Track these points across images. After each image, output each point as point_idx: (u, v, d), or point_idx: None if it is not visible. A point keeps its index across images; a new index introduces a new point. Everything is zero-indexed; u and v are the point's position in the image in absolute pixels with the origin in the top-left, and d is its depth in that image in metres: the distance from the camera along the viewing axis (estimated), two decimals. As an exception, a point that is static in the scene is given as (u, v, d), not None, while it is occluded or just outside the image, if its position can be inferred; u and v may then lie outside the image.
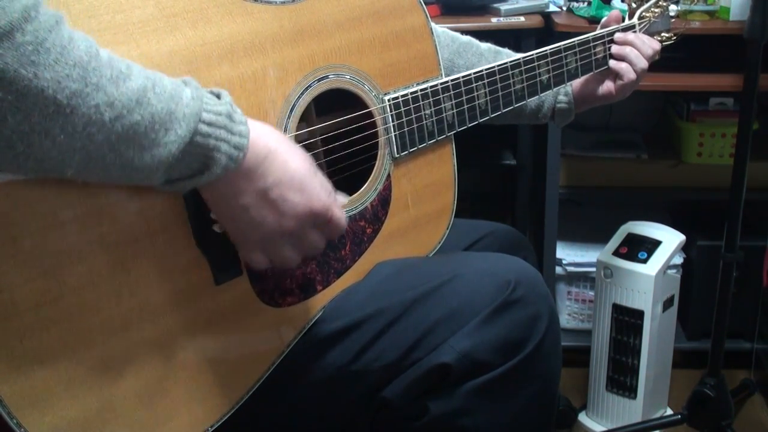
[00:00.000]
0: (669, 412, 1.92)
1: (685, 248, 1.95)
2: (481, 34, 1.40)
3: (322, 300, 1.00)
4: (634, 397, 1.84)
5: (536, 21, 1.84)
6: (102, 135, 0.68)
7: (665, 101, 2.19)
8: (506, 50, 1.37)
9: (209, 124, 0.75)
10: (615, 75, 1.32)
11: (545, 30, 1.87)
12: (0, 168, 0.68)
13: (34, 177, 0.72)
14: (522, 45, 1.86)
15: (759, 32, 1.48)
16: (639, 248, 1.80)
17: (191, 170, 0.77)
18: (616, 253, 1.81)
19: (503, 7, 1.85)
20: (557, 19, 1.86)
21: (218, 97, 0.78)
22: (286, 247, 0.85)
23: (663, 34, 1.42)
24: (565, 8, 1.94)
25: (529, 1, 1.88)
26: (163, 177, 0.75)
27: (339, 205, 0.87)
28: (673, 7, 1.73)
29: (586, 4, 1.90)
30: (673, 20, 1.44)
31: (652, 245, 1.80)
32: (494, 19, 1.84)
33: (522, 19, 1.84)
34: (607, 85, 1.33)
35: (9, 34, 0.62)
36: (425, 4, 1.14)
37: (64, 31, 0.66)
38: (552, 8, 1.91)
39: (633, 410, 1.85)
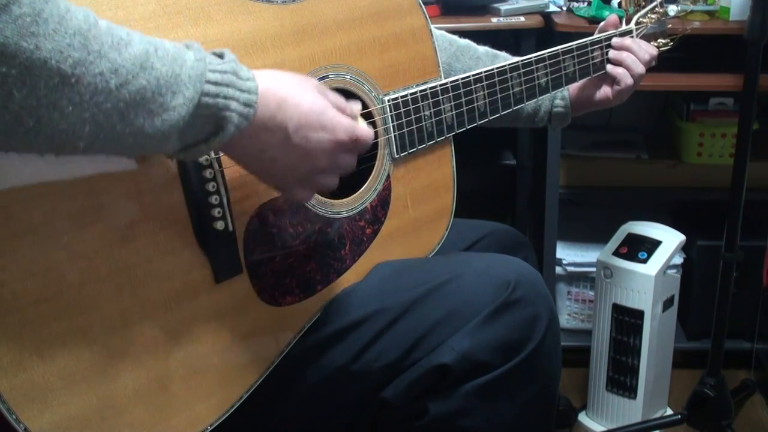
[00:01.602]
0: (669, 412, 1.92)
1: (685, 248, 1.95)
2: (481, 34, 1.40)
3: (321, 300, 1.00)
4: (634, 397, 1.84)
5: (536, 21, 1.84)
6: (110, 103, 0.68)
7: (665, 101, 2.19)
8: (504, 53, 1.37)
9: (216, 83, 0.74)
10: (612, 80, 1.32)
11: (545, 30, 1.87)
12: (12, 147, 0.67)
13: (47, 154, 0.71)
14: (522, 45, 1.86)
15: (759, 32, 1.48)
16: (639, 248, 1.80)
17: (205, 133, 0.75)
18: (616, 253, 1.81)
19: (503, 7, 1.85)
20: (557, 19, 1.86)
21: (221, 57, 0.77)
22: (323, 177, 0.86)
23: (660, 40, 1.42)
24: (565, 8, 1.94)
25: (529, 1, 1.88)
26: (177, 144, 0.74)
27: (357, 117, 0.87)
28: (672, 7, 1.73)
29: (586, 4, 1.90)
30: (669, 25, 1.44)
31: (652, 245, 1.80)
32: (494, 19, 1.84)
33: (522, 19, 1.84)
34: (605, 90, 1.33)
35: (5, 6, 0.61)
36: (425, 3, 1.14)
37: (60, 1, 0.66)
38: (552, 8, 1.91)
39: (633, 410, 1.85)
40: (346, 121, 0.84)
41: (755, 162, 1.64)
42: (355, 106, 0.88)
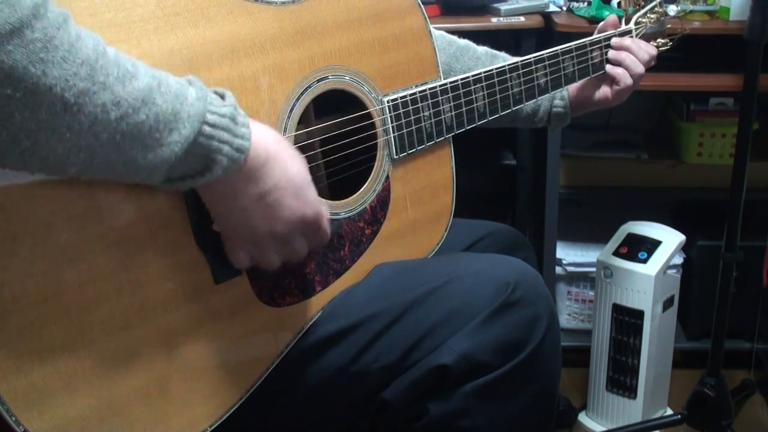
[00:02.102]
0: (669, 412, 1.92)
1: (685, 248, 1.95)
2: (481, 34, 1.40)
3: (321, 300, 1.00)
4: (634, 397, 1.84)
5: (536, 21, 1.84)
6: (107, 134, 0.68)
7: (665, 101, 2.19)
8: (503, 54, 1.37)
9: (213, 125, 0.75)
10: (611, 80, 1.32)
11: (545, 30, 1.86)
12: (4, 164, 0.68)
13: (37, 174, 0.71)
14: (522, 45, 1.86)
15: (759, 32, 1.48)
16: (639, 248, 1.80)
17: (193, 170, 0.77)
18: (616, 253, 1.81)
19: (503, 7, 1.85)
20: (557, 19, 1.86)
21: (222, 97, 0.78)
22: (271, 250, 0.86)
23: (659, 40, 1.42)
24: (565, 8, 1.93)
25: (529, 1, 1.88)
26: (164, 176, 0.75)
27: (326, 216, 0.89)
28: (672, 7, 1.73)
29: (586, 4, 1.89)
30: (669, 25, 1.44)
31: (652, 245, 1.80)
32: (494, 19, 1.84)
33: (522, 19, 1.84)
34: (604, 90, 1.33)
35: (19, 31, 0.62)
36: (425, 3, 1.14)
37: (72, 28, 0.66)
38: (552, 8, 1.91)
39: (633, 410, 1.85)
40: (318, 205, 0.86)
41: (755, 162, 1.64)
42: (325, 207, 0.89)
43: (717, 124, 1.98)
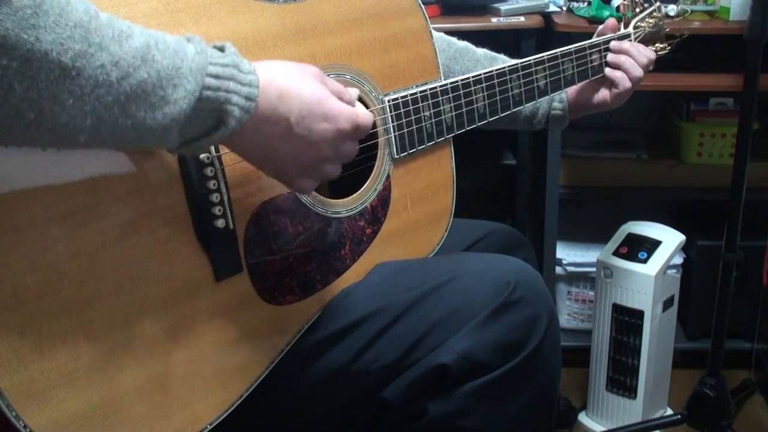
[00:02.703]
0: (669, 412, 1.92)
1: (685, 248, 1.95)
2: (481, 34, 1.40)
3: (321, 299, 1.00)
4: (634, 397, 1.84)
5: (536, 21, 1.84)
6: (111, 96, 0.67)
7: (665, 101, 2.19)
8: (502, 56, 1.37)
9: (216, 76, 0.73)
10: (610, 83, 1.32)
11: (545, 30, 1.86)
12: (14, 140, 0.67)
13: (49, 149, 0.71)
14: (522, 45, 1.86)
15: (759, 32, 1.48)
16: (639, 248, 1.80)
17: (206, 127, 0.75)
18: (616, 253, 1.81)
19: (503, 7, 1.85)
20: (557, 19, 1.86)
21: (222, 50, 0.77)
22: (326, 166, 0.86)
23: (658, 44, 1.42)
24: (565, 8, 1.93)
25: (529, 1, 1.88)
26: (178, 137, 0.74)
27: (356, 106, 0.87)
28: (672, 7, 1.73)
29: (586, 4, 1.90)
30: (668, 29, 1.44)
31: (652, 245, 1.80)
32: (494, 19, 1.84)
33: (522, 19, 1.84)
34: (603, 93, 1.33)
35: None
36: (425, 4, 1.14)
37: None
38: (552, 8, 1.91)
39: (633, 410, 1.85)
40: (347, 109, 0.85)
41: (755, 162, 1.64)
42: (353, 92, 0.88)
43: (717, 124, 1.98)
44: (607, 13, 1.82)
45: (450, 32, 1.36)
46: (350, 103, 0.86)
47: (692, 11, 1.84)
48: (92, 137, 0.69)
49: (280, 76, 0.80)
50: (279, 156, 0.82)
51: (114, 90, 0.67)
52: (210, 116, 0.74)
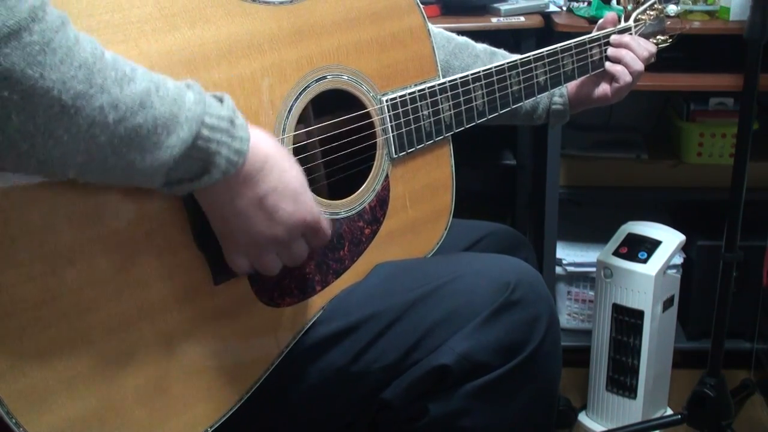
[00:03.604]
0: (669, 412, 1.92)
1: (685, 248, 1.95)
2: (481, 34, 1.40)
3: (320, 300, 1.00)
4: (634, 397, 1.84)
5: (536, 21, 1.84)
6: (105, 136, 0.69)
7: (665, 101, 2.19)
8: (502, 51, 1.37)
9: (211, 128, 0.75)
10: (611, 77, 1.32)
11: (545, 30, 1.86)
12: (3, 167, 0.68)
13: (36, 176, 0.72)
14: (522, 45, 1.86)
15: (759, 32, 1.48)
16: (639, 248, 1.80)
17: (191, 173, 0.77)
18: (616, 253, 1.81)
19: (503, 7, 1.85)
20: (557, 19, 1.86)
21: (221, 101, 0.78)
22: (270, 254, 0.86)
23: (659, 37, 1.42)
24: (565, 8, 1.93)
25: (529, 1, 1.88)
26: (163, 179, 0.76)
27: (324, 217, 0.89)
28: (672, 7, 1.73)
29: (586, 4, 1.89)
30: (668, 22, 1.44)
31: (652, 245, 1.80)
32: (494, 19, 1.83)
33: (522, 19, 1.84)
34: (603, 88, 1.33)
35: (16, 33, 0.62)
36: (425, 4, 1.14)
37: (70, 31, 0.67)
38: (552, 8, 1.91)
39: (633, 410, 1.85)
40: (316, 209, 0.86)
41: (755, 162, 1.64)
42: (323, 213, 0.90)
43: (717, 124, 1.98)
44: (607, 13, 1.81)
45: (430, 29, 1.35)
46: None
47: (692, 11, 1.84)
48: (80, 172, 0.70)
49: (270, 145, 0.83)
50: (237, 220, 0.82)
51: (109, 131, 0.69)
52: (197, 164, 0.76)
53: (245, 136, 0.78)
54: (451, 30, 1.36)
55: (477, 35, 1.38)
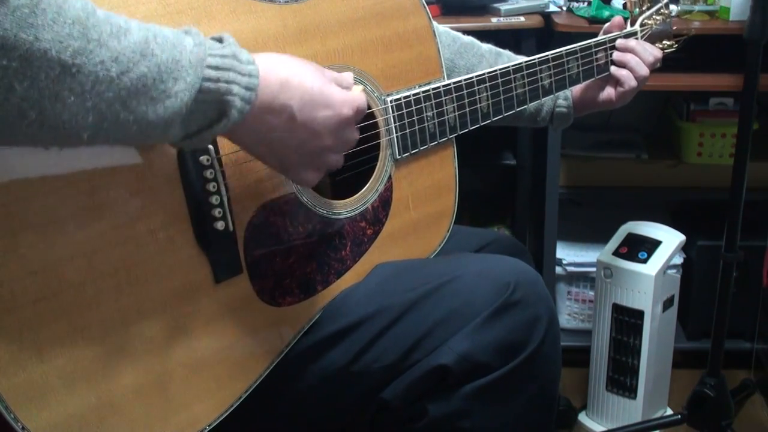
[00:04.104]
0: (669, 412, 1.92)
1: (685, 248, 1.95)
2: (481, 34, 1.40)
3: (321, 300, 1.00)
4: (634, 397, 1.84)
5: (536, 21, 1.84)
6: (111, 91, 0.67)
7: (665, 101, 2.19)
8: (507, 52, 1.36)
9: (216, 68, 0.73)
10: (616, 82, 1.32)
11: (545, 30, 1.86)
12: (17, 140, 0.67)
13: (51, 147, 0.71)
14: (522, 45, 1.86)
15: (759, 32, 1.48)
16: (639, 248, 1.80)
17: (208, 119, 0.75)
18: (616, 253, 1.81)
19: (503, 7, 1.85)
20: (557, 19, 1.86)
21: (220, 41, 0.77)
22: (329, 155, 0.86)
23: (665, 42, 1.41)
24: (565, 8, 1.93)
25: (529, 1, 1.88)
26: (181, 131, 0.74)
27: (356, 91, 0.88)
28: (673, 7, 1.73)
29: (586, 4, 1.89)
30: (675, 27, 1.43)
31: (652, 245, 1.80)
32: (494, 19, 1.83)
33: (522, 19, 1.84)
34: (608, 92, 1.33)
35: None
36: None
37: None
38: (552, 8, 1.91)
39: (633, 410, 1.85)
40: (347, 96, 0.85)
41: (755, 162, 1.64)
42: (348, 77, 0.88)
43: (717, 124, 1.98)
44: (607, 13, 1.82)
45: (436, 29, 1.35)
46: (348, 89, 0.87)
47: (692, 11, 1.84)
48: (95, 134, 0.68)
49: (280, 66, 0.80)
50: (282, 147, 0.81)
51: (114, 86, 0.67)
52: (211, 108, 0.74)
53: (253, 69, 0.76)
54: (452, 30, 1.36)
55: (477, 35, 1.38)
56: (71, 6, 0.65)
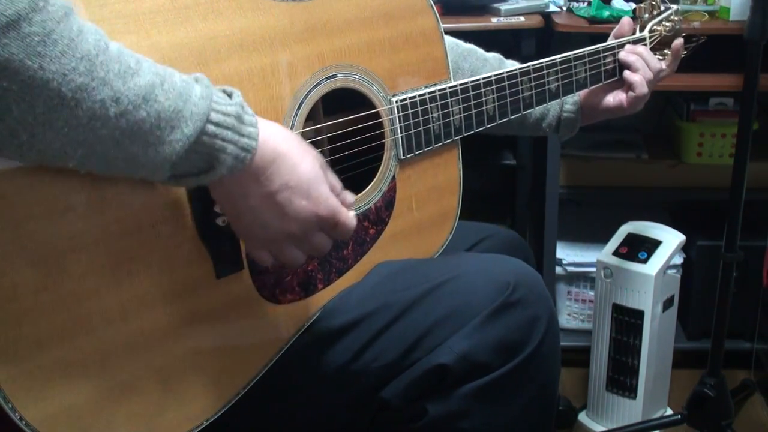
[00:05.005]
0: (669, 412, 1.92)
1: (685, 248, 1.95)
2: (481, 34, 1.40)
3: (322, 299, 1.00)
4: (634, 397, 1.84)
5: (536, 21, 1.84)
6: (106, 130, 0.68)
7: (665, 101, 2.19)
8: (511, 61, 1.35)
9: (217, 124, 0.74)
10: (628, 87, 1.30)
11: (545, 30, 1.86)
12: (2, 155, 0.68)
13: (36, 164, 0.71)
14: (522, 45, 1.86)
15: (759, 32, 1.48)
16: (639, 248, 1.81)
17: (197, 168, 0.76)
18: (616, 253, 1.81)
19: (503, 7, 1.85)
20: (557, 19, 1.85)
21: (230, 96, 0.77)
22: (291, 248, 0.85)
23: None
24: (565, 8, 1.93)
25: (529, 1, 1.88)
26: (167, 173, 0.75)
27: (348, 207, 0.86)
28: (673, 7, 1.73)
29: (586, 4, 1.89)
30: (684, 34, 1.42)
31: (652, 245, 1.80)
32: (494, 19, 1.83)
33: (522, 19, 1.84)
34: (619, 97, 1.31)
35: (15, 24, 0.61)
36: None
37: (74, 23, 0.66)
38: (552, 8, 1.91)
39: (633, 410, 1.85)
40: (332, 201, 0.84)
41: (755, 162, 1.64)
42: (350, 196, 0.88)
43: (717, 124, 1.98)
44: (607, 13, 1.82)
45: (450, 32, 1.35)
46: (342, 202, 0.86)
47: (692, 11, 1.84)
48: (81, 164, 0.70)
49: (282, 140, 0.81)
50: (250, 216, 0.81)
51: (110, 125, 0.68)
52: (202, 159, 0.75)
53: (254, 132, 0.77)
54: (451, 30, 1.36)
55: (477, 35, 1.38)
56: (84, 40, 0.66)
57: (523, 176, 2.06)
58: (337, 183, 0.86)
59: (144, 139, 0.71)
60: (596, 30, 1.78)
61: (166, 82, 0.72)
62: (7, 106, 0.63)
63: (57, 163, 0.69)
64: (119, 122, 0.69)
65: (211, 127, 0.74)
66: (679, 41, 1.35)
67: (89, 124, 0.67)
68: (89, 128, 0.67)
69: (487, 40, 1.38)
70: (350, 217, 0.86)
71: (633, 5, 1.85)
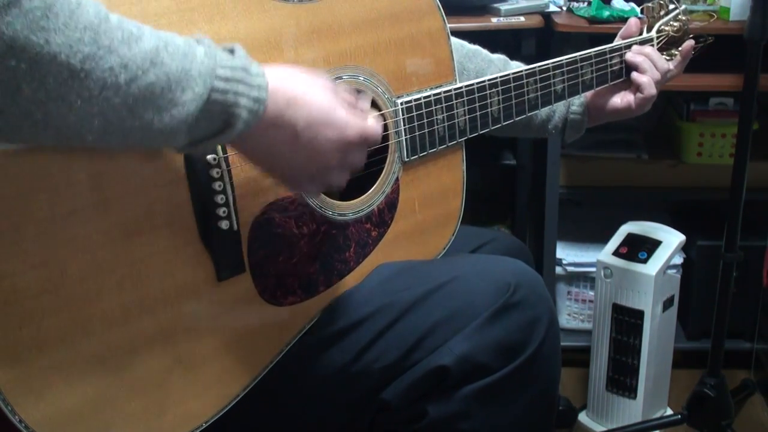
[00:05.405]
0: (669, 412, 1.93)
1: (685, 248, 1.95)
2: (481, 34, 1.40)
3: (323, 301, 1.00)
4: (634, 397, 1.84)
5: (536, 21, 1.84)
6: (119, 98, 0.67)
7: (665, 101, 2.19)
8: (516, 62, 1.34)
9: (225, 79, 0.73)
10: (636, 88, 1.29)
11: (545, 30, 1.86)
12: (21, 139, 0.67)
13: (55, 145, 0.71)
14: (522, 45, 1.86)
15: (759, 32, 1.48)
16: (639, 248, 1.81)
17: (213, 129, 0.75)
18: (616, 253, 1.81)
19: (503, 7, 1.85)
20: (557, 19, 1.85)
21: (231, 52, 0.77)
22: (331, 174, 0.85)
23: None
24: (565, 8, 1.93)
25: (529, 1, 1.88)
26: (185, 139, 0.74)
27: (367, 117, 0.86)
28: (672, 7, 1.73)
29: (586, 4, 1.89)
30: (691, 35, 1.41)
31: (652, 245, 1.80)
32: (494, 19, 1.83)
33: (522, 19, 1.84)
34: (627, 98, 1.30)
35: (16, 0, 0.61)
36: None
37: None
38: (552, 8, 1.90)
39: (633, 410, 1.85)
40: (354, 120, 0.84)
41: (755, 162, 1.64)
42: (365, 103, 0.88)
43: (717, 124, 1.98)
44: (607, 13, 1.81)
45: (450, 32, 1.35)
46: (362, 112, 0.86)
47: (692, 11, 1.84)
48: (99, 137, 0.69)
49: (290, 81, 0.80)
50: (285, 161, 0.82)
51: (122, 92, 0.67)
52: (217, 118, 0.74)
53: (263, 82, 0.76)
54: (451, 30, 1.36)
55: (477, 35, 1.38)
56: (84, 11, 0.65)
57: (523, 176, 2.06)
58: (350, 98, 0.86)
59: (157, 103, 0.70)
60: (596, 30, 1.78)
61: (169, 45, 0.71)
62: (17, 87, 0.62)
63: (75, 141, 0.69)
64: (130, 88, 0.68)
65: (220, 84, 0.73)
66: (690, 43, 1.34)
67: (101, 94, 0.66)
68: (102, 98, 0.67)
69: (487, 40, 1.38)
70: (374, 127, 0.87)
71: (633, 5, 1.85)
